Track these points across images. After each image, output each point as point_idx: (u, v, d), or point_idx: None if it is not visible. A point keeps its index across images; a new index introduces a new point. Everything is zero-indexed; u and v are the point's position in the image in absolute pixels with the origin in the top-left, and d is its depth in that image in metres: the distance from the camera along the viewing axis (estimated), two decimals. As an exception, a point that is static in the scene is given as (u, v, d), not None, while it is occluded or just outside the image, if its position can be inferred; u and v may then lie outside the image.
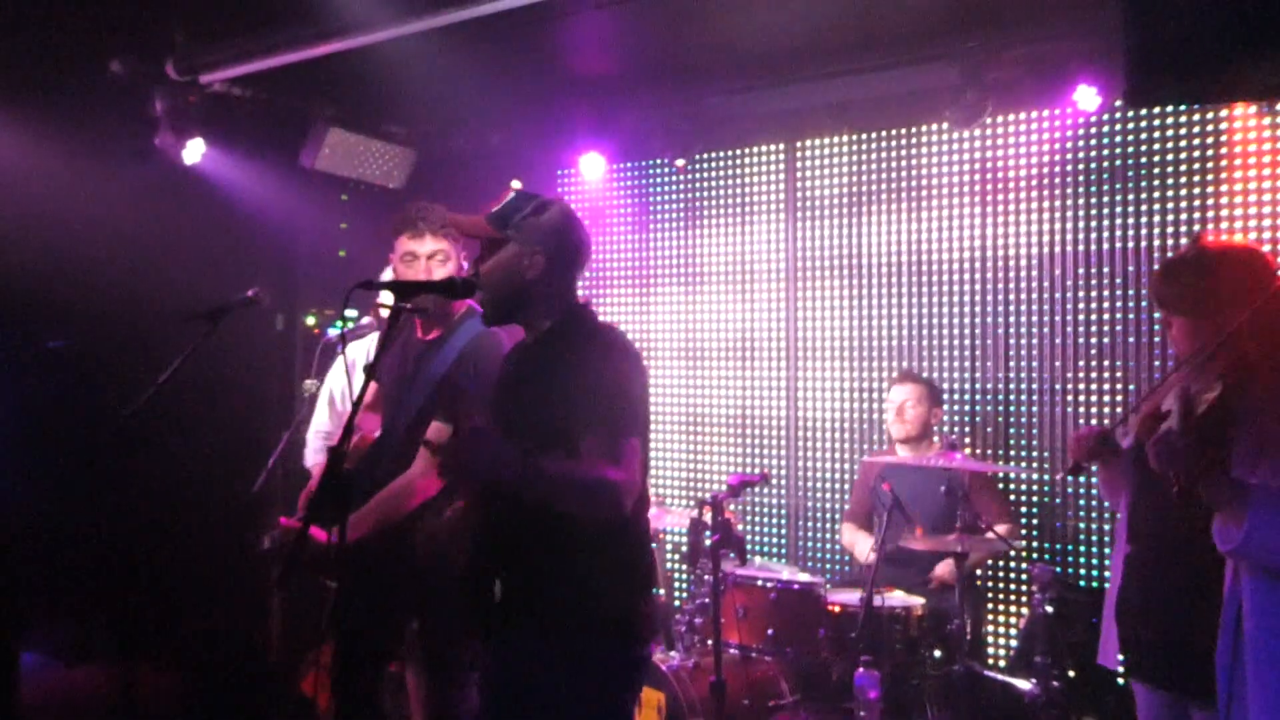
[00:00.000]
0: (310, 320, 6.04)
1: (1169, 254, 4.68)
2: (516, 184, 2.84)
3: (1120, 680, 2.99)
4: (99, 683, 4.66)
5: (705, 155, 6.08)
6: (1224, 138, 4.61)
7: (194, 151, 5.22)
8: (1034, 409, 5.09)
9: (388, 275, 4.32)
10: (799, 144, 5.81)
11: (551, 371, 2.60)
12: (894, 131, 5.50)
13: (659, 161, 6.25)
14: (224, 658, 5.16)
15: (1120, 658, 2.90)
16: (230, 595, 5.13)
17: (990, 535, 4.40)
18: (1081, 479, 4.78)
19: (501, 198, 2.75)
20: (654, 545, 4.25)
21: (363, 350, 4.40)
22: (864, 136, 5.60)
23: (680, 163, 5.92)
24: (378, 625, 3.36)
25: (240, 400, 5.34)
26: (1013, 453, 5.13)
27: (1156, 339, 4.74)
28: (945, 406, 5.14)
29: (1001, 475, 5.02)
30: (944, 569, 4.62)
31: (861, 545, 4.92)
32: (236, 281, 3.71)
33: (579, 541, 2.52)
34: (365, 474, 3.22)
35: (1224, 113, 4.58)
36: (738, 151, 6.02)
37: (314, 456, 4.49)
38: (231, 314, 3.51)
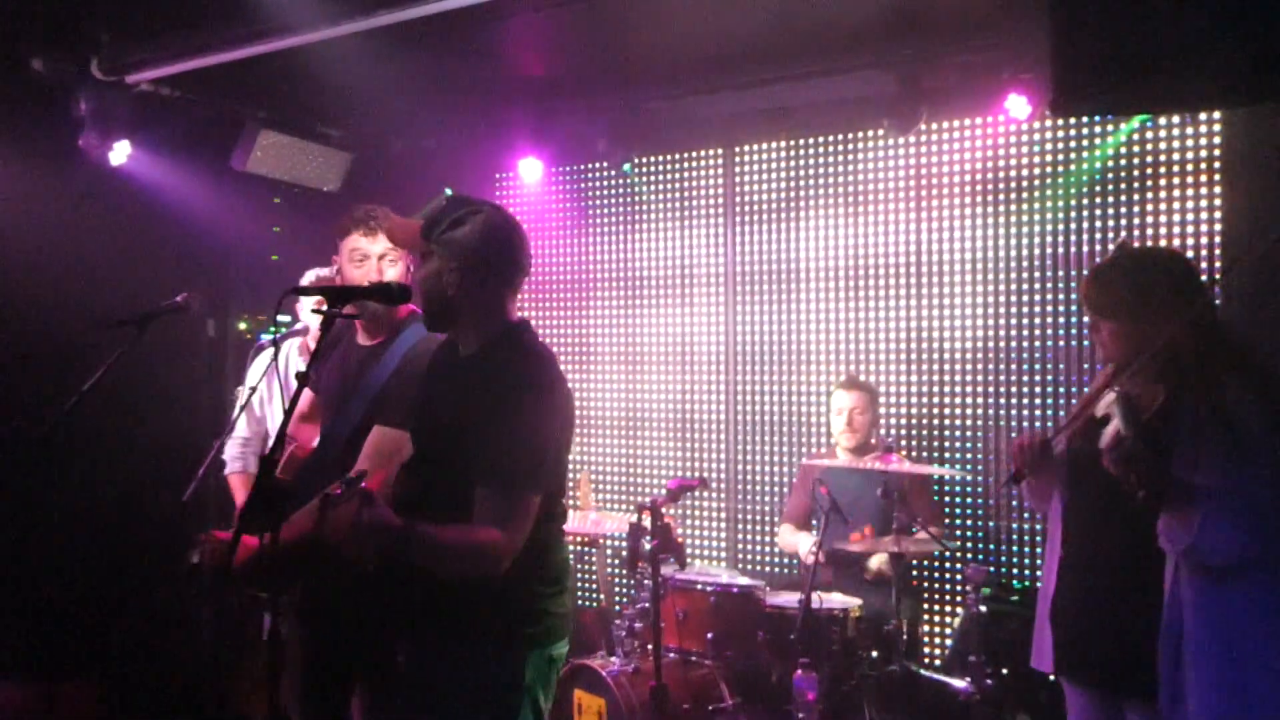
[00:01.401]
0: (243, 326, 5.94)
1: (1098, 260, 4.78)
2: (449, 191, 2.79)
3: (1052, 677, 3.04)
4: (18, 700, 4.52)
5: (644, 160, 6.09)
6: (1149, 147, 4.72)
7: (120, 153, 5.10)
8: (968, 412, 5.17)
9: (310, 277, 4.27)
10: (737, 149, 5.84)
11: (467, 402, 2.54)
12: (831, 137, 5.56)
13: (598, 166, 6.24)
14: (152, 671, 5.05)
15: (1053, 660, 2.94)
16: (159, 607, 5.02)
17: (925, 536, 4.46)
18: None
19: (432, 199, 2.71)
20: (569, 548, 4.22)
21: (284, 355, 4.35)
22: (801, 142, 5.64)
23: (627, 167, 5.92)
24: (342, 642, 3.28)
25: (171, 408, 5.22)
26: (947, 455, 5.20)
27: (1087, 344, 4.83)
28: (882, 410, 5.20)
29: (936, 478, 5.09)
30: (879, 561, 4.65)
31: (803, 544, 4.92)
32: (166, 287, 3.62)
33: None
34: (305, 483, 3.16)
35: (1150, 123, 4.69)
36: (677, 156, 6.03)
37: (231, 465, 4.39)
38: (160, 320, 3.43)
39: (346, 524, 2.27)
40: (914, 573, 5.03)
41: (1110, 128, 4.80)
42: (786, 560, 5.63)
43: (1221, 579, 2.57)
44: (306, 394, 3.59)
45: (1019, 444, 2.93)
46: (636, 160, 6.03)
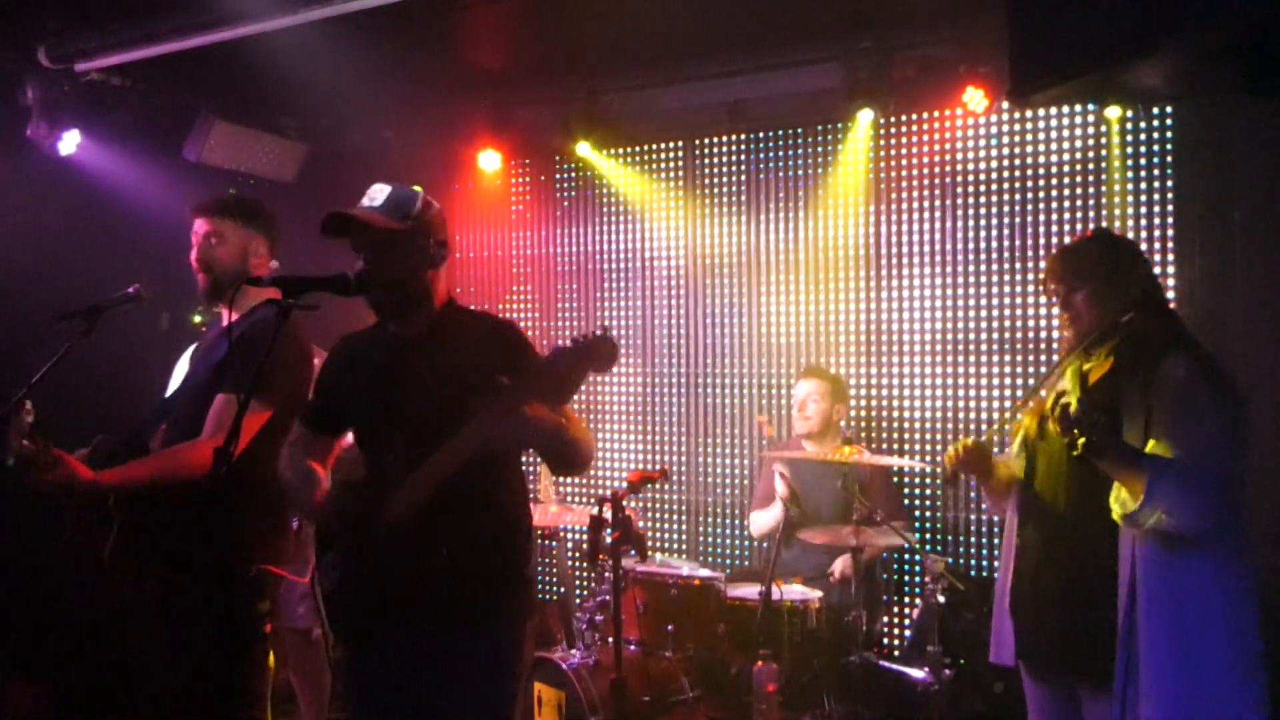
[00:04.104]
0: (197, 319, 5.84)
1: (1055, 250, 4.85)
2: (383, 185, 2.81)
3: (1021, 673, 3.07)
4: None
5: (605, 152, 6.06)
6: (1103, 140, 4.78)
7: (70, 143, 5.01)
8: (929, 404, 5.20)
9: None
10: (698, 141, 5.84)
11: (465, 356, 2.66)
12: (791, 130, 5.57)
13: (558, 157, 6.21)
14: (102, 670, 4.96)
15: (1015, 652, 2.97)
16: (109, 604, 4.92)
17: (886, 528, 4.48)
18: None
19: (366, 194, 2.75)
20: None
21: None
22: (761, 134, 5.65)
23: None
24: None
25: (122, 402, 5.11)
26: (908, 446, 5.24)
27: (1044, 334, 4.89)
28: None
29: (896, 469, 5.11)
30: (842, 564, 4.67)
31: (775, 510, 4.87)
32: (118, 278, 3.55)
33: (480, 527, 2.64)
34: (144, 432, 3.27)
35: (1104, 115, 4.74)
36: (637, 148, 6.02)
37: None
38: (110, 312, 3.37)
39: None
40: (878, 568, 5.04)
41: (1065, 121, 4.86)
42: (747, 552, 5.64)
43: (1177, 557, 2.62)
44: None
45: (954, 447, 3.05)
46: (597, 153, 6.02)
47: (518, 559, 2.74)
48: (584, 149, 5.83)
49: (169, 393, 3.61)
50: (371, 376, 2.79)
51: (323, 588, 2.73)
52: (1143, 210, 4.69)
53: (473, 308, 2.90)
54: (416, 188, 2.79)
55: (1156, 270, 4.55)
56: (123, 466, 3.09)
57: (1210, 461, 2.60)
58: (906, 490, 5.19)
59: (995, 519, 4.91)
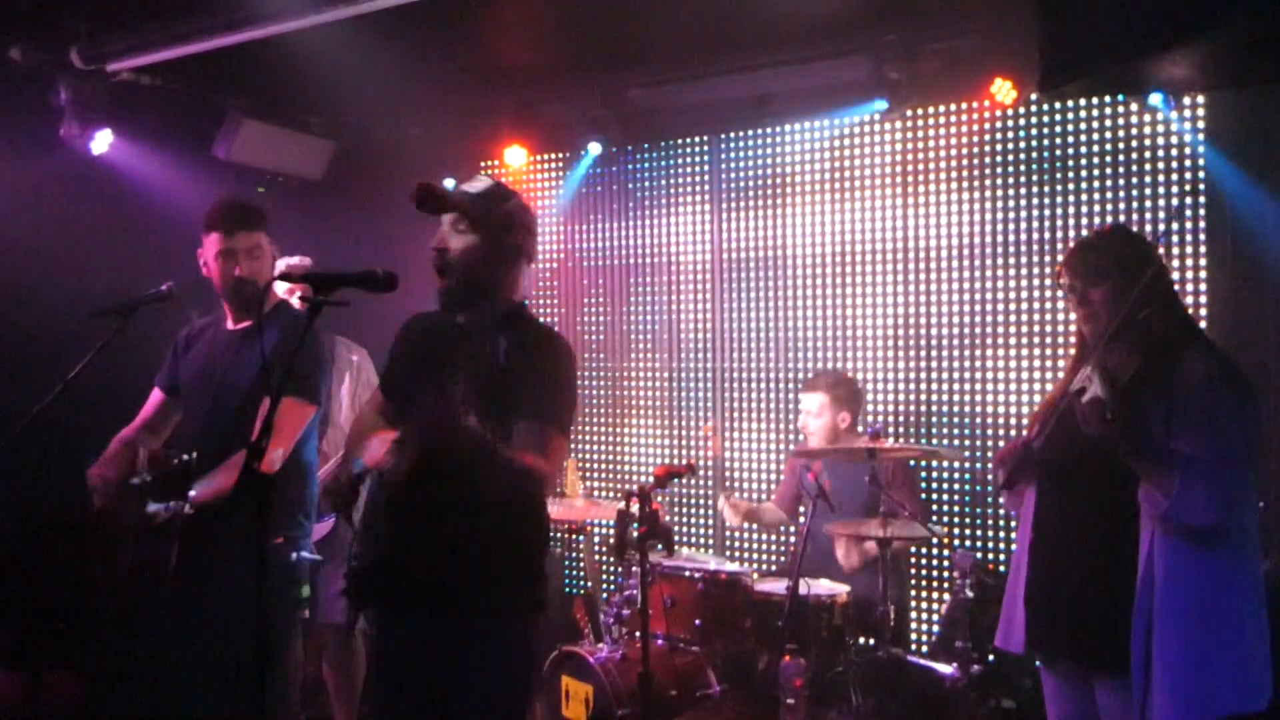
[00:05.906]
0: (227, 316, 5.89)
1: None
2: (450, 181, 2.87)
3: (1038, 663, 3.08)
4: (2, 688, 4.50)
5: (631, 147, 6.07)
6: (1134, 131, 4.73)
7: (102, 142, 5.07)
8: (955, 398, 5.17)
9: (279, 266, 4.27)
10: (723, 135, 5.83)
11: (511, 360, 2.69)
12: (816, 124, 5.54)
13: (584, 153, 6.22)
14: (138, 661, 5.01)
15: (1024, 640, 2.99)
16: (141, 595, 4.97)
17: (911, 521, 4.47)
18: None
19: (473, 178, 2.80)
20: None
21: None
22: (787, 128, 5.63)
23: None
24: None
25: (154, 398, 5.19)
26: (935, 441, 5.21)
27: (1072, 327, 4.84)
28: (869, 396, 5.20)
29: (921, 469, 5.08)
30: (849, 554, 4.66)
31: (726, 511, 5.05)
32: (149, 276, 3.60)
33: (492, 521, 2.65)
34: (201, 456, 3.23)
35: (1133, 107, 4.69)
36: (663, 143, 6.02)
37: None
38: (143, 309, 3.42)
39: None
40: (907, 557, 5.02)
41: (1094, 113, 4.81)
42: (774, 547, 5.64)
43: (1196, 549, 2.65)
44: (151, 401, 3.64)
45: (1002, 454, 3.06)
46: (624, 147, 6.02)
47: (529, 554, 2.77)
48: (608, 144, 5.84)
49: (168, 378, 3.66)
50: (423, 356, 2.84)
51: (350, 568, 2.76)
52: (1174, 203, 4.64)
53: (540, 323, 2.93)
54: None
55: (1189, 263, 4.55)
56: (210, 479, 3.16)
57: (1233, 458, 2.65)
58: (935, 484, 5.17)
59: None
